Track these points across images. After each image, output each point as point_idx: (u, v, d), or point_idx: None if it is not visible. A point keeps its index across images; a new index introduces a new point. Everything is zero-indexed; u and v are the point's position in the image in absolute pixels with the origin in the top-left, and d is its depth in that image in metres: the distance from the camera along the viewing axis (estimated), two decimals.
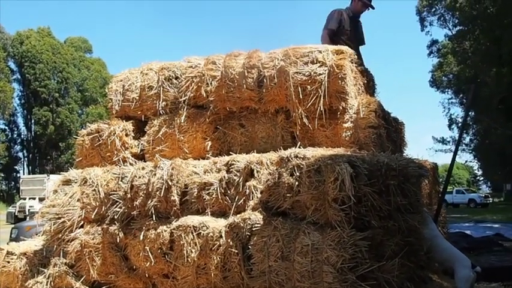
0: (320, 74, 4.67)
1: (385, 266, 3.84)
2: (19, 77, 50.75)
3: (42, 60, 48.29)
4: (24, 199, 27.49)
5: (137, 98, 5.71)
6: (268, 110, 5.07)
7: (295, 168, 3.87)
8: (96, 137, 5.79)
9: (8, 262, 5.75)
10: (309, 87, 4.70)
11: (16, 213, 26.20)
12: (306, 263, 3.75)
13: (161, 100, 5.55)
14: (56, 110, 48.25)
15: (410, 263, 4.16)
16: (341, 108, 4.79)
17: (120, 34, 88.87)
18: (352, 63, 5.13)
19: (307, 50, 4.79)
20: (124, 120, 5.80)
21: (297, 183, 3.85)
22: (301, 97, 4.70)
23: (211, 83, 5.21)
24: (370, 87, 5.62)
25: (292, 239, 3.88)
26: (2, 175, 49.52)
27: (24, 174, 47.62)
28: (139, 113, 5.76)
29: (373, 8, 6.46)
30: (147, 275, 4.96)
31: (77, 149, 6.06)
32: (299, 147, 4.29)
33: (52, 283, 5.30)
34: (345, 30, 6.40)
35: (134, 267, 5.03)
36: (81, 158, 5.97)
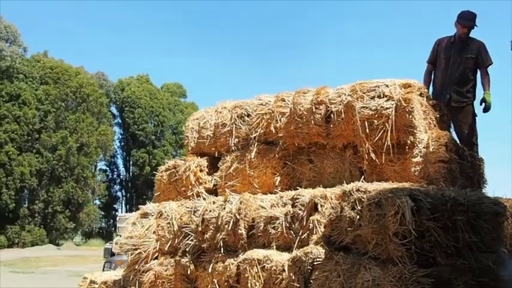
0: (387, 108, 4.64)
1: None
2: (119, 121, 53.99)
3: (141, 105, 51.19)
4: (120, 236, 28.69)
5: (211, 135, 5.96)
6: (336, 145, 5.09)
7: (357, 202, 3.84)
8: (173, 173, 6.08)
9: None
10: (376, 121, 4.69)
11: (112, 249, 27.45)
12: None
13: (233, 137, 5.75)
14: (152, 152, 50.51)
15: None
16: (409, 142, 4.71)
17: (214, 79, 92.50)
18: (422, 96, 5.07)
19: (374, 85, 4.80)
20: (199, 157, 6.04)
21: (358, 217, 3.81)
22: (368, 132, 4.69)
23: (280, 120, 5.33)
24: (443, 121, 5.47)
25: (354, 274, 3.82)
26: (102, 213, 52.22)
27: (122, 212, 49.92)
28: (213, 149, 5.99)
29: (474, 26, 6.33)
30: None
31: (156, 184, 6.37)
32: (363, 181, 4.27)
33: None
34: (442, 59, 6.34)
35: None
36: (159, 193, 6.27)
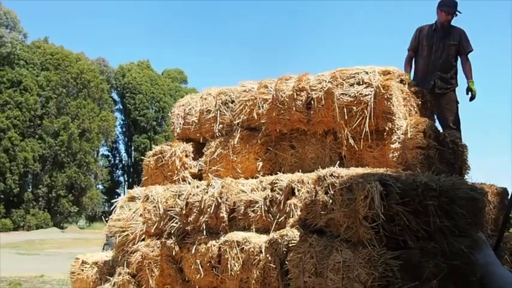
0: (366, 95, 4.71)
1: None
2: (121, 107, 54.40)
3: (142, 91, 51.49)
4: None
5: (196, 121, 6.05)
6: (316, 131, 5.17)
7: (330, 186, 3.92)
8: (160, 158, 6.18)
9: (82, 270, 6.25)
10: (354, 108, 4.75)
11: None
12: (338, 280, 3.76)
13: (218, 123, 5.84)
14: (154, 137, 50.85)
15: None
16: (387, 128, 4.78)
17: (213, 65, 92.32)
18: (404, 83, 5.12)
19: (354, 72, 4.86)
20: (184, 142, 6.15)
21: (331, 201, 3.88)
22: (346, 118, 4.76)
23: (262, 106, 5.40)
24: (425, 108, 5.51)
25: (326, 256, 3.91)
26: (105, 197, 52.71)
27: None
28: (198, 135, 6.08)
29: (458, 13, 6.40)
30: (199, 287, 5.16)
31: (144, 169, 6.47)
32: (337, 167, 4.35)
33: None
34: (425, 46, 6.42)
35: (188, 279, 5.27)
36: (146, 177, 6.39)
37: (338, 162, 4.65)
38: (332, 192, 3.89)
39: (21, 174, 41.46)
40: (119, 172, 56.01)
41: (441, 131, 5.78)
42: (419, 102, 5.35)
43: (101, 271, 6.08)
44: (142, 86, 52.00)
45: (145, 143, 50.70)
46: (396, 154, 4.77)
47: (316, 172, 4.25)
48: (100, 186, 51.54)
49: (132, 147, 53.55)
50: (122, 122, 54.93)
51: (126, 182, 55.85)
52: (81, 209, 45.50)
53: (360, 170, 4.03)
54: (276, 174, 5.19)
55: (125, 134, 55.08)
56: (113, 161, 55.52)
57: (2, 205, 40.63)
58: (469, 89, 6.75)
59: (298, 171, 5.00)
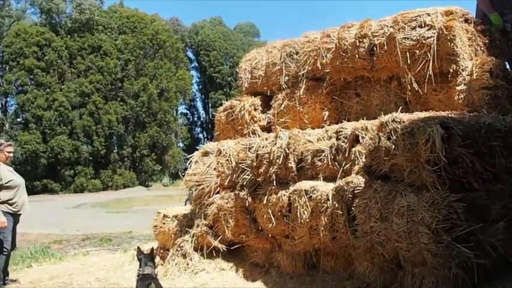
0: (428, 38, 4.63)
1: (489, 229, 3.77)
2: (196, 64, 55.20)
3: (216, 48, 51.98)
4: None
5: (263, 74, 6.19)
6: (380, 77, 5.16)
7: (392, 132, 3.95)
8: (230, 113, 6.41)
9: (164, 223, 6.68)
10: (417, 51, 4.69)
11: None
12: (403, 224, 3.84)
13: (284, 75, 5.94)
14: (230, 93, 51.36)
15: None
16: (452, 70, 4.69)
17: (284, 17, 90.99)
18: (469, 22, 4.97)
19: (416, 14, 4.77)
20: (253, 96, 6.32)
21: (393, 146, 3.93)
22: (409, 62, 4.71)
23: (326, 56, 5.44)
24: (494, 46, 5.30)
25: (391, 201, 3.99)
26: (186, 155, 54.28)
27: None
28: (265, 88, 6.23)
29: None
30: (272, 236, 5.41)
31: (216, 124, 6.74)
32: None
33: (196, 241, 6.08)
34: None
35: (261, 228, 5.51)
36: (218, 132, 6.66)
37: (401, 107, 4.64)
38: (394, 137, 3.94)
39: (107, 136, 43.34)
40: (198, 129, 57.48)
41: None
42: (487, 41, 5.15)
43: (181, 224, 6.48)
44: (215, 42, 52.47)
45: (222, 99, 51.15)
46: (462, 96, 4.69)
47: (379, 118, 4.28)
48: (181, 144, 53.05)
49: (209, 104, 54.53)
50: (198, 80, 55.90)
51: (205, 139, 57.16)
52: (164, 167, 47.16)
53: (422, 114, 4.02)
54: (342, 122, 5.26)
55: (202, 92, 56.13)
56: (191, 119, 56.93)
57: (91, 167, 42.80)
58: None
59: (364, 119, 5.04)
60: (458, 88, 4.71)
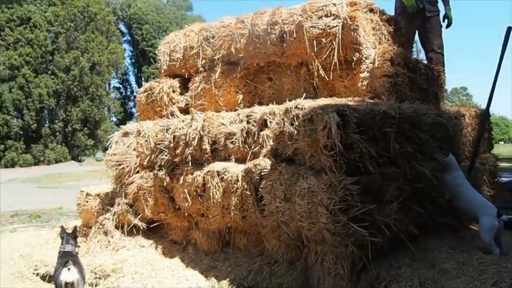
0: (334, 27, 4.84)
1: (384, 210, 4.06)
2: (129, 38, 54.12)
3: (148, 21, 51.14)
4: None
5: (181, 57, 6.27)
6: (290, 63, 5.35)
7: (295, 118, 4.17)
8: (150, 94, 6.48)
9: (87, 202, 6.76)
10: (323, 40, 4.90)
11: None
12: (304, 205, 4.09)
13: (200, 59, 6.05)
14: None
15: (420, 209, 4.33)
16: (355, 59, 4.94)
17: None
18: (374, 12, 5.22)
19: (322, 4, 4.96)
20: (171, 78, 6.40)
21: (296, 131, 4.15)
22: (316, 50, 4.93)
23: (240, 41, 5.58)
24: (400, 35, 5.62)
25: (293, 183, 4.23)
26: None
27: None
28: (183, 71, 6.33)
29: None
30: (188, 214, 5.59)
31: (137, 105, 6.78)
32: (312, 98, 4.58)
33: (117, 219, 6.20)
34: None
35: (179, 207, 5.68)
36: (139, 113, 6.72)
37: (305, 94, 4.87)
38: (297, 123, 4.16)
39: (38, 110, 42.06)
40: (131, 104, 56.37)
41: (423, 55, 5.92)
42: (391, 30, 5.45)
43: (103, 202, 6.57)
44: (148, 16, 51.58)
45: (155, 73, 50.48)
46: (365, 83, 4.95)
47: (284, 104, 4.49)
48: (114, 119, 52.13)
49: (142, 78, 53.55)
50: (130, 54, 54.91)
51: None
52: (97, 141, 46.30)
53: (322, 101, 4.25)
54: (255, 106, 5.45)
55: (135, 65, 55.16)
56: (124, 93, 55.95)
57: (22, 141, 41.54)
58: (445, 16, 6.87)
59: (275, 103, 5.24)
60: (361, 75, 4.97)
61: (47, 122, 45.14)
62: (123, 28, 53.99)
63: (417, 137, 4.40)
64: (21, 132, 41.90)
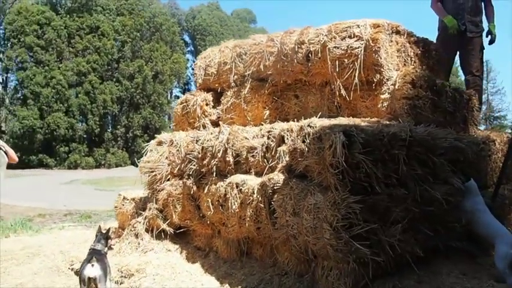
0: (356, 48, 4.96)
1: (389, 230, 4.12)
2: (192, 48, 55.49)
3: (212, 33, 52.32)
4: None
5: (215, 72, 6.55)
6: (316, 82, 5.50)
7: (306, 135, 4.32)
8: (185, 106, 6.80)
9: (123, 205, 7.16)
10: (346, 60, 5.03)
11: None
12: (310, 220, 4.22)
13: (233, 74, 6.31)
14: None
15: (431, 232, 4.35)
16: (376, 80, 5.03)
17: (281, 4, 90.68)
18: (400, 34, 5.29)
19: (347, 25, 5.10)
20: (205, 92, 6.68)
21: (306, 149, 4.29)
22: (338, 70, 5.06)
23: (269, 58, 5.79)
24: (428, 57, 5.65)
25: (302, 198, 4.37)
26: None
27: None
28: (217, 85, 6.61)
29: None
30: (212, 222, 5.81)
31: (173, 116, 7.12)
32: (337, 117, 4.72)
33: (147, 223, 6.54)
34: None
35: (203, 215, 5.92)
36: (175, 123, 7.06)
37: (319, 114, 4.99)
38: (308, 141, 4.30)
39: (101, 116, 43.94)
40: None
41: (462, 77, 5.88)
42: (419, 52, 5.49)
43: (137, 206, 6.93)
44: (212, 27, 52.90)
45: None
46: (385, 104, 5.03)
47: (299, 122, 4.64)
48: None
49: None
50: (193, 64, 56.26)
51: None
52: None
53: (333, 121, 4.37)
54: (283, 122, 5.61)
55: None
56: None
57: (86, 144, 43.44)
58: (489, 32, 6.78)
59: (299, 120, 5.38)
60: (382, 96, 5.05)
61: (110, 127, 46.93)
62: (187, 38, 55.67)
63: (431, 161, 4.44)
64: (85, 136, 43.79)
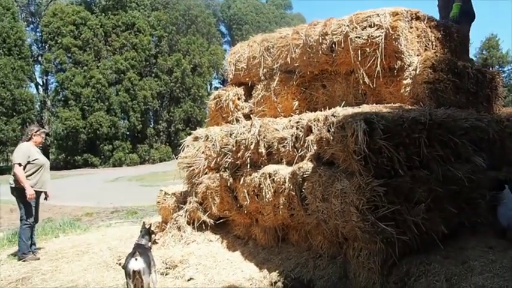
0: (377, 37, 5.13)
1: (414, 210, 4.32)
2: (229, 39, 55.77)
3: (248, 21, 52.36)
4: None
5: (245, 67, 6.81)
6: (341, 71, 5.69)
7: (331, 125, 4.54)
8: (218, 101, 7.08)
9: (165, 200, 7.51)
10: (367, 49, 5.21)
11: None
12: (338, 204, 4.46)
13: (262, 68, 6.54)
14: None
15: (455, 210, 4.54)
16: (398, 66, 5.19)
17: None
18: (420, 20, 5.41)
19: (367, 15, 5.26)
20: (237, 87, 6.95)
21: (331, 137, 4.52)
22: (360, 59, 5.24)
23: (295, 51, 6.00)
24: (450, 40, 5.74)
25: (330, 184, 4.60)
26: None
27: None
28: (247, 79, 6.87)
29: None
30: (249, 212, 6.08)
31: (208, 111, 7.41)
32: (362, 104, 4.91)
33: (188, 216, 6.87)
34: None
35: (240, 205, 6.19)
36: (210, 118, 7.35)
37: (344, 102, 5.17)
38: (332, 130, 4.53)
39: (143, 112, 44.62)
40: None
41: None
42: (440, 36, 5.60)
43: (178, 200, 7.27)
44: (247, 16, 52.97)
45: None
46: (408, 89, 5.19)
47: (324, 112, 4.86)
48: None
49: None
50: None
51: None
52: None
53: (355, 110, 4.58)
54: (312, 111, 5.83)
55: None
56: None
57: (129, 141, 44.28)
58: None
59: (327, 108, 5.58)
60: (404, 82, 5.22)
61: (152, 122, 47.66)
62: (223, 29, 55.90)
63: (452, 141, 4.59)
64: (128, 133, 44.55)
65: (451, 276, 4.02)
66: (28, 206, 7.12)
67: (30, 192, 6.93)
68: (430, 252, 4.44)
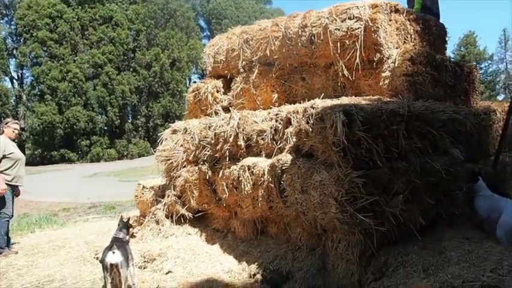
0: (356, 29, 5.13)
1: (392, 201, 4.34)
2: (208, 33, 55.50)
3: (227, 16, 52.16)
4: None
5: (224, 59, 6.76)
6: (320, 64, 5.68)
7: (310, 117, 4.52)
8: (196, 94, 7.02)
9: (143, 193, 7.43)
10: (347, 41, 5.21)
11: None
12: (317, 196, 4.45)
13: (241, 60, 6.51)
14: None
15: (433, 201, 4.57)
16: (377, 59, 5.20)
17: None
18: (399, 13, 5.43)
19: (346, 7, 5.26)
20: (215, 79, 6.89)
21: (310, 129, 4.50)
22: (340, 51, 5.24)
23: (274, 43, 5.98)
24: (429, 33, 5.78)
25: (309, 176, 4.59)
26: None
27: None
28: (226, 72, 6.82)
29: None
30: (228, 205, 6.05)
31: (186, 104, 7.35)
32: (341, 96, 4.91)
33: (167, 209, 6.80)
34: None
35: (219, 198, 6.15)
36: (188, 111, 7.29)
37: (322, 95, 5.17)
38: (311, 122, 4.51)
39: (120, 107, 44.09)
40: None
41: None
42: (419, 29, 5.63)
43: (156, 194, 7.20)
44: (227, 10, 52.78)
45: None
46: (387, 82, 5.21)
47: (303, 104, 4.85)
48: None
49: None
50: None
51: None
52: None
53: (334, 102, 4.57)
54: (291, 104, 5.81)
55: None
56: None
57: (107, 136, 43.76)
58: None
59: (306, 101, 5.57)
60: (383, 74, 5.23)
61: (130, 117, 47.21)
62: (202, 23, 55.59)
63: (430, 133, 4.62)
64: (106, 128, 44.04)
65: (428, 267, 4.04)
66: (2, 200, 6.96)
67: (2, 187, 6.77)
68: (408, 243, 4.47)
